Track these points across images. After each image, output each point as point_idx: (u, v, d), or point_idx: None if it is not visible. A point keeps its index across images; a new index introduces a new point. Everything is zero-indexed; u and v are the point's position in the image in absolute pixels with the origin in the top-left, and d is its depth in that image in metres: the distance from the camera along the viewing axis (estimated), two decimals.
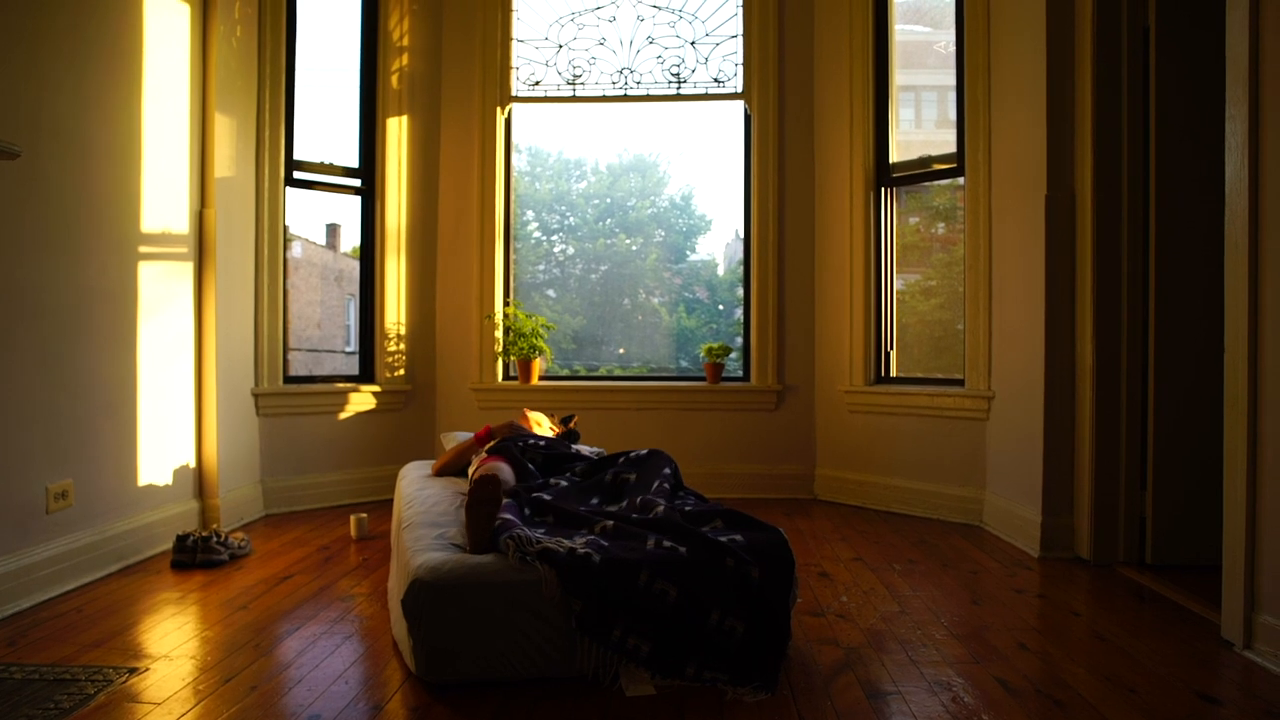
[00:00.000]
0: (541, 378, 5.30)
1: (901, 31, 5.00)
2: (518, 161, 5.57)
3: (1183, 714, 2.16)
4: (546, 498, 2.82)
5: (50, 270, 3.14)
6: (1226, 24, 2.73)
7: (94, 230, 3.37)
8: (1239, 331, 2.65)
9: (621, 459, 3.16)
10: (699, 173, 6.03)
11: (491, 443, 3.43)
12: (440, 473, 3.66)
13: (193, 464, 4.03)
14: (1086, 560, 3.62)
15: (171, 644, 2.62)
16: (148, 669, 2.41)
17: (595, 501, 2.93)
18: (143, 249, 3.66)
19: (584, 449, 3.56)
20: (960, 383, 4.49)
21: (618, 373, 5.68)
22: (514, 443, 3.28)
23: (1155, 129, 3.49)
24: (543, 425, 3.80)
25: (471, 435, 3.88)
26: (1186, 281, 3.48)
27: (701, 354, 5.27)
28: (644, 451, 3.19)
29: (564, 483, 3.04)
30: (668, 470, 3.07)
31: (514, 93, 5.29)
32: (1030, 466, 3.83)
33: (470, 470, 3.36)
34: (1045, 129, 3.74)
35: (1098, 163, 3.60)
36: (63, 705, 2.15)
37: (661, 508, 2.74)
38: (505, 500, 2.73)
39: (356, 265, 5.19)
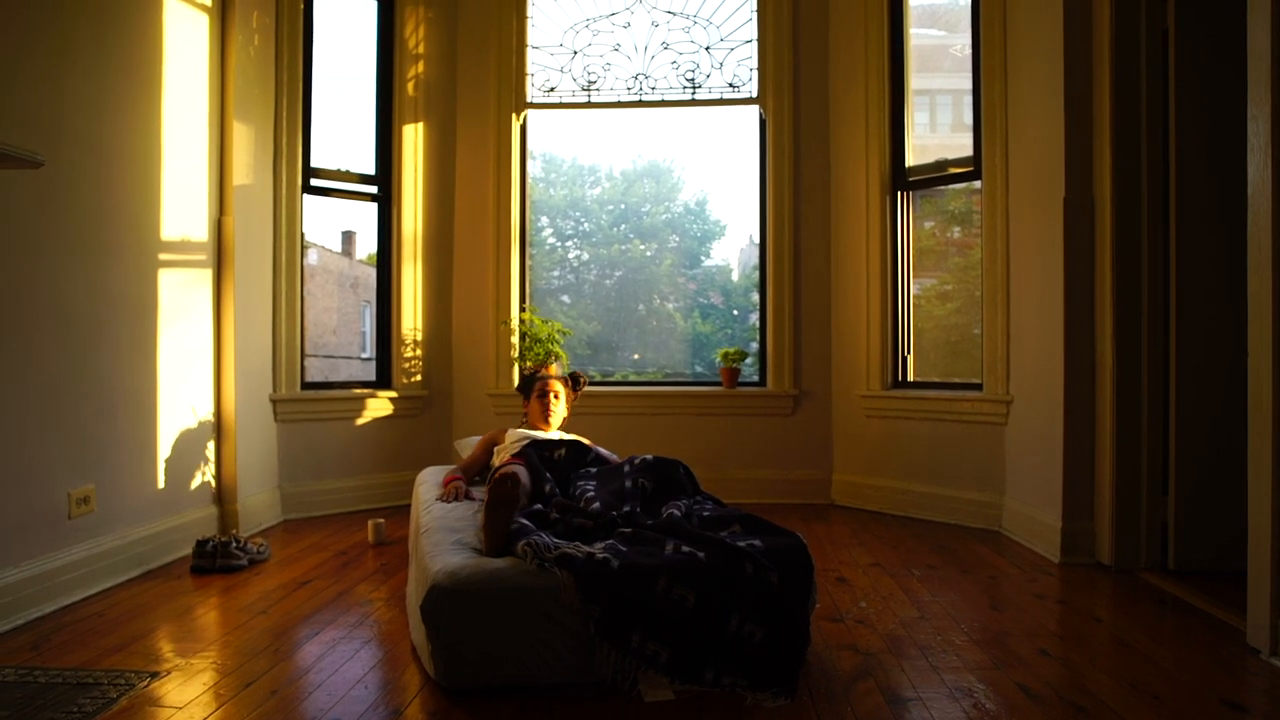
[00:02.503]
0: None
1: (916, 35, 4.99)
2: (532, 168, 5.58)
3: None
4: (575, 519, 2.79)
5: (72, 278, 3.17)
6: (1248, 24, 2.70)
7: (115, 238, 3.40)
8: (1263, 334, 2.62)
9: (627, 466, 3.11)
10: (713, 178, 6.03)
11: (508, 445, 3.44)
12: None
13: (212, 469, 4.05)
14: (1107, 566, 3.58)
15: (192, 648, 2.63)
16: (169, 673, 2.42)
17: (627, 509, 2.90)
18: (163, 256, 3.69)
19: (603, 451, 3.55)
20: (978, 387, 4.46)
21: (633, 378, 5.68)
22: (534, 450, 3.27)
23: (1175, 130, 3.47)
24: (561, 397, 3.82)
25: (478, 439, 3.91)
26: (1208, 284, 3.44)
27: (717, 359, 5.26)
28: (649, 457, 3.10)
29: (590, 488, 3.04)
30: (682, 472, 3.06)
31: (529, 99, 5.30)
32: (1050, 471, 3.80)
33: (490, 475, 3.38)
34: (1063, 131, 3.72)
35: (1117, 165, 3.58)
36: (85, 709, 2.16)
37: (680, 511, 2.73)
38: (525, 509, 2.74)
39: (372, 272, 5.22)
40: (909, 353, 4.89)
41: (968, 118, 4.65)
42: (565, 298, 5.93)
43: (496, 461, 3.46)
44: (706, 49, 5.25)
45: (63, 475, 3.11)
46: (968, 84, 4.63)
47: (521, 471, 3.00)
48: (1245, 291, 2.73)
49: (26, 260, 2.96)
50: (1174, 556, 3.47)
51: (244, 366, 4.19)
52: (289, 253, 4.56)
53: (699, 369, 5.72)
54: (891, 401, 4.81)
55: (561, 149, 6.04)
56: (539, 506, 2.83)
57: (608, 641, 2.31)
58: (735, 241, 6.08)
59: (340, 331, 6.65)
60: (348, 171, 4.96)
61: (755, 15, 5.19)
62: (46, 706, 2.17)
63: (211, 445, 4.05)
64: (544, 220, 5.98)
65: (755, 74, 5.19)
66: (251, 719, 2.14)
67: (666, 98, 5.27)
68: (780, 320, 5.12)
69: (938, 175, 4.78)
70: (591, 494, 2.95)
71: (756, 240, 5.39)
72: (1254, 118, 2.68)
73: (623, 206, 6.13)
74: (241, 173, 4.19)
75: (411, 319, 5.09)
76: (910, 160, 4.87)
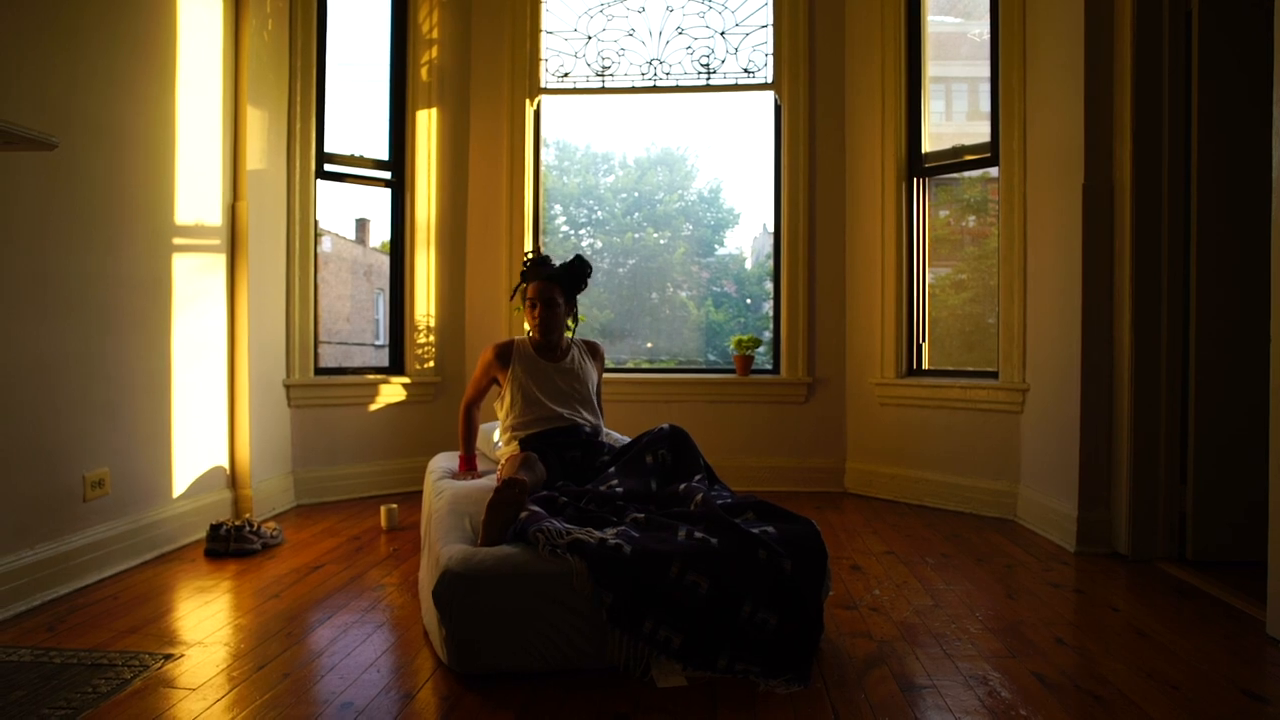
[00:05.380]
0: None
1: (933, 23, 4.93)
2: (546, 156, 5.56)
3: (1228, 712, 2.11)
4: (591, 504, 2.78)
5: (85, 262, 3.17)
6: (1275, 6, 2.66)
7: (129, 222, 3.40)
8: None
9: (645, 439, 3.06)
10: (727, 166, 5.99)
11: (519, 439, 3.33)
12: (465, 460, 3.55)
13: (225, 454, 4.06)
14: (1124, 555, 3.55)
15: (205, 631, 2.64)
16: (182, 655, 2.43)
17: (653, 486, 2.90)
18: (177, 241, 3.69)
19: (614, 435, 3.53)
20: (994, 375, 4.43)
21: (645, 366, 5.67)
22: (549, 451, 3.15)
23: (1198, 115, 3.41)
24: (558, 306, 3.30)
25: (496, 424, 3.83)
26: (1229, 272, 3.40)
27: (731, 346, 5.23)
28: (664, 427, 3.05)
29: (615, 479, 2.95)
30: (697, 453, 3.03)
31: (543, 84, 5.28)
32: (1066, 460, 3.77)
33: (499, 456, 3.35)
34: (1083, 117, 3.67)
35: (1137, 151, 3.53)
36: (100, 690, 2.17)
37: (700, 495, 2.71)
38: (537, 495, 2.72)
39: (385, 260, 5.21)
40: (924, 341, 4.85)
41: (984, 105, 4.60)
42: None
43: (503, 450, 3.36)
44: (721, 34, 5.21)
45: (77, 458, 3.12)
46: (984, 71, 4.58)
47: (532, 477, 2.92)
48: (1267, 279, 2.69)
49: (40, 244, 2.96)
50: (1192, 546, 3.43)
51: (257, 351, 4.20)
52: (303, 237, 4.57)
53: (712, 357, 5.70)
54: (906, 390, 4.78)
55: (575, 136, 6.01)
56: (548, 493, 2.81)
57: (620, 627, 2.31)
58: (749, 230, 6.05)
59: (354, 319, 6.65)
60: (361, 157, 4.95)
61: (771, 0, 5.14)
62: (62, 687, 2.18)
63: (225, 430, 4.06)
64: (557, 208, 5.95)
65: (770, 60, 5.14)
66: (264, 701, 2.14)
67: (681, 83, 5.23)
68: (794, 308, 5.09)
69: (954, 162, 4.73)
70: (618, 483, 2.91)
71: (770, 228, 5.35)
72: (1279, 102, 2.63)
73: (636, 195, 6.10)
74: (255, 157, 4.18)
75: (425, 305, 5.08)
76: (926, 147, 4.83)
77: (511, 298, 3.42)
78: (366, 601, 2.95)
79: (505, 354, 3.32)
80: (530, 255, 3.38)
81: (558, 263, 3.37)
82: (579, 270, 3.31)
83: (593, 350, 3.50)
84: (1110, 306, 3.66)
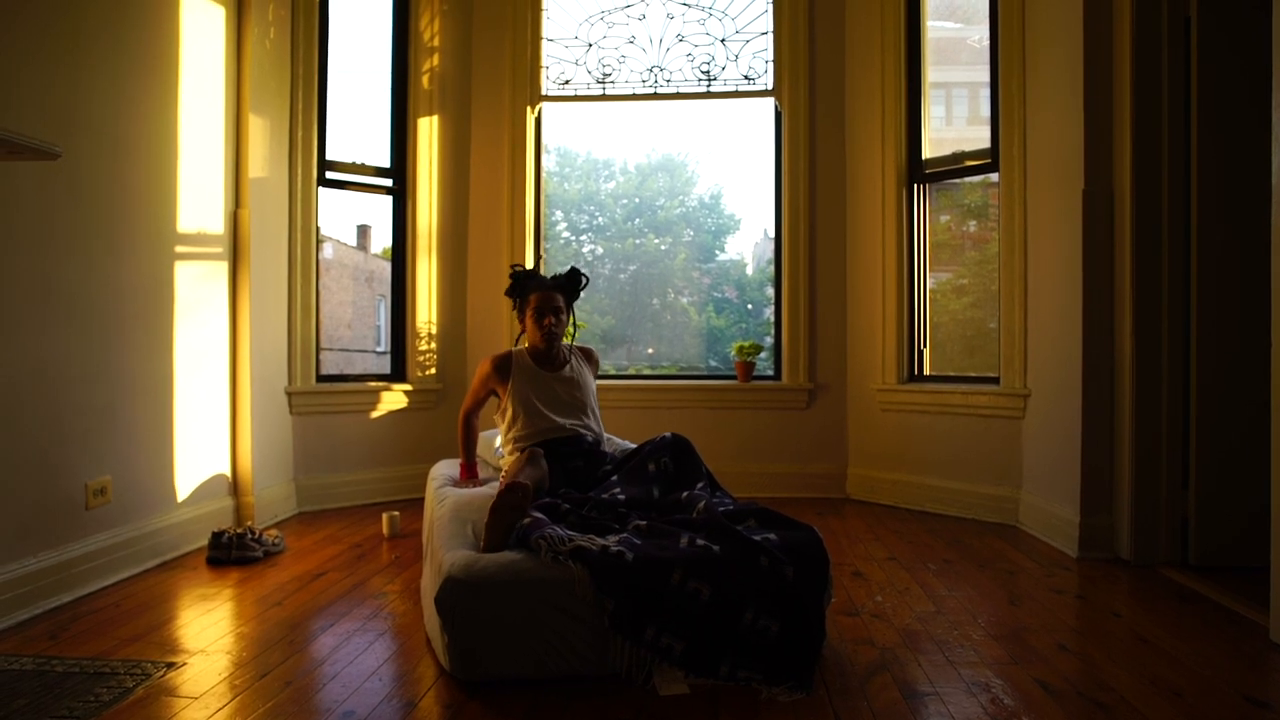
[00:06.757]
0: None
1: (933, 28, 4.95)
2: (547, 162, 5.57)
3: (1231, 718, 2.11)
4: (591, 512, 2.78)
5: (88, 270, 3.18)
6: (1273, 11, 2.66)
7: (131, 230, 3.41)
8: None
9: (646, 448, 3.07)
10: (728, 172, 6.02)
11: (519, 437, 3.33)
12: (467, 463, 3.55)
13: (227, 461, 4.06)
14: (1127, 561, 3.55)
15: (208, 639, 2.64)
16: (185, 664, 2.43)
17: (656, 493, 2.90)
18: (179, 248, 3.70)
19: (616, 441, 3.52)
20: (995, 381, 4.43)
21: (647, 372, 5.67)
22: (552, 448, 3.17)
23: (1197, 121, 3.42)
24: (562, 314, 3.35)
25: (497, 432, 3.83)
26: (1229, 276, 3.40)
27: (732, 352, 5.24)
28: (666, 436, 3.06)
29: (618, 490, 2.94)
30: (694, 448, 3.04)
31: (544, 92, 5.29)
32: (1068, 465, 3.77)
33: (503, 465, 3.35)
34: (1083, 122, 3.68)
35: (1137, 156, 3.53)
36: (102, 698, 2.17)
37: (703, 503, 2.71)
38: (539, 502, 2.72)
39: (387, 266, 5.23)
40: (925, 346, 4.86)
41: (984, 110, 4.61)
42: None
43: (505, 459, 3.36)
44: (722, 41, 5.22)
45: (80, 466, 3.13)
46: (984, 76, 4.59)
47: (535, 473, 2.92)
48: (1268, 283, 2.69)
49: (42, 252, 2.97)
50: (1194, 551, 3.43)
51: (259, 359, 4.20)
52: (304, 245, 4.57)
53: (713, 363, 5.71)
54: (907, 395, 4.78)
55: (576, 143, 6.04)
56: (550, 499, 2.81)
57: (622, 634, 2.31)
58: (749, 235, 6.07)
59: (355, 325, 6.67)
60: (363, 164, 4.96)
61: (771, 7, 5.15)
62: (64, 695, 2.18)
63: (227, 437, 4.06)
64: (558, 214, 5.97)
65: (771, 66, 5.16)
66: (266, 709, 2.14)
67: (681, 90, 5.24)
68: (795, 314, 5.10)
69: (954, 167, 4.74)
70: (620, 491, 2.91)
71: (771, 234, 5.36)
72: (1278, 107, 2.64)
73: (637, 200, 6.11)
74: (257, 165, 4.19)
75: (426, 312, 5.09)
76: (926, 153, 4.83)
77: (514, 307, 3.46)
78: (368, 609, 2.95)
79: (504, 367, 3.34)
80: (517, 268, 3.41)
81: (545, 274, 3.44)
82: (577, 279, 3.38)
83: (587, 355, 3.54)
84: (1111, 311, 3.67)
